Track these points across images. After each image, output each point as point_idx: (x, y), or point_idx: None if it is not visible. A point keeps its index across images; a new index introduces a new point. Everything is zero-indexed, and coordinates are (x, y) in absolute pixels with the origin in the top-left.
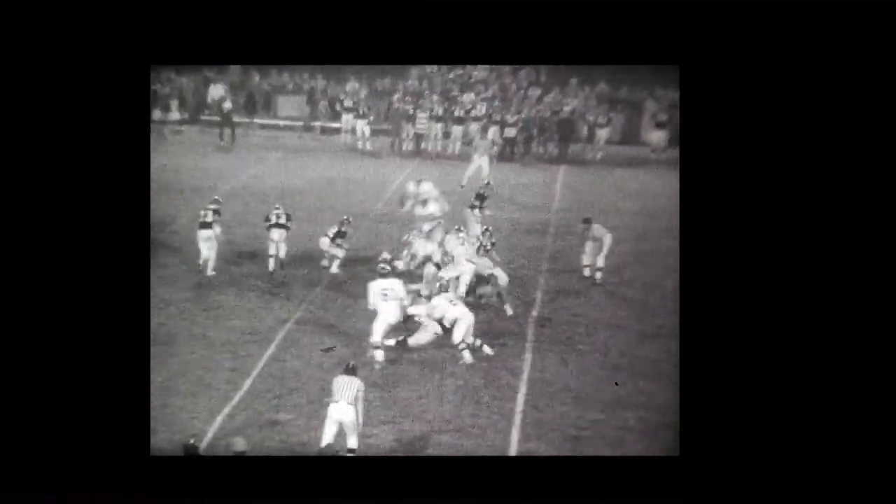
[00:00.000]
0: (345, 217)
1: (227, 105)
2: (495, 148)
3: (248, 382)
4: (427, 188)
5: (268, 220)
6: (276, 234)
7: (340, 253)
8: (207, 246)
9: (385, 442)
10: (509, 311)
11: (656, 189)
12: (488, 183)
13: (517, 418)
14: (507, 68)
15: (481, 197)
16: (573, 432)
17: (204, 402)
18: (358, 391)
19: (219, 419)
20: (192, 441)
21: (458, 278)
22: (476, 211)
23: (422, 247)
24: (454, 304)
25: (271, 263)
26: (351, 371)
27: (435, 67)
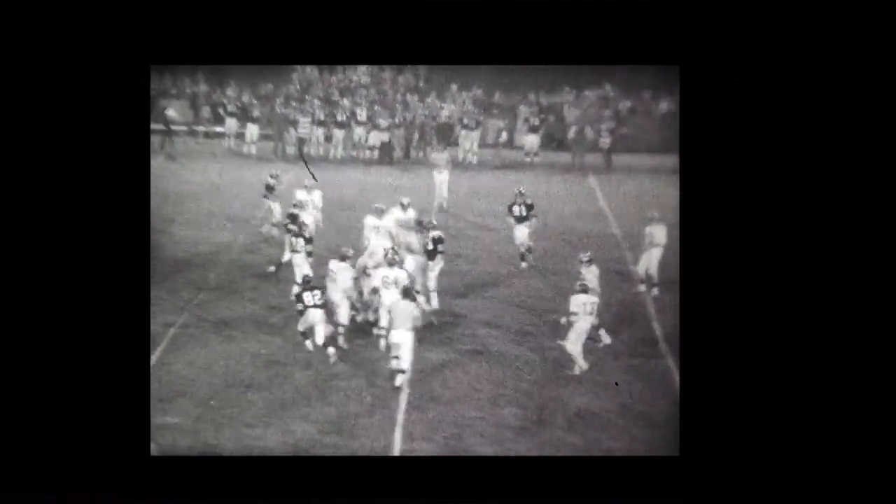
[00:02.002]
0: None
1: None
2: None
3: None
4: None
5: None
6: None
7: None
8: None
9: (273, 443)
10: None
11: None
12: (521, 192)
13: (400, 418)
14: (386, 73)
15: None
16: (454, 430)
17: None
18: (413, 315)
19: None
20: None
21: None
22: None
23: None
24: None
25: None
26: (408, 295)
27: (316, 72)
